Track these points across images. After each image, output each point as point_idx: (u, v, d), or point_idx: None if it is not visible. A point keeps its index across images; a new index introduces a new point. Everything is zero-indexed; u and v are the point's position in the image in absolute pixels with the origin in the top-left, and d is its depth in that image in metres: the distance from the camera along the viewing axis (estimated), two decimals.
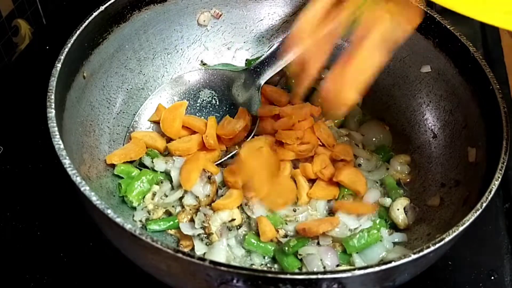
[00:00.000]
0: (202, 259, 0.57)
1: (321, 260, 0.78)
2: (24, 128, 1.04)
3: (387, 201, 0.87)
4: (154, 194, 0.84)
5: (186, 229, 0.81)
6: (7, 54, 1.16)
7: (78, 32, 0.80)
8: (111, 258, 0.79)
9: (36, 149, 0.99)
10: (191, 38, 1.02)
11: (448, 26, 0.88)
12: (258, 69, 0.96)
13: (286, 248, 0.77)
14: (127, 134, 0.92)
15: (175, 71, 1.01)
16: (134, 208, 0.84)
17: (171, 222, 0.82)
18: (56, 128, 0.68)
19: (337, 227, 0.81)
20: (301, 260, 0.78)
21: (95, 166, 0.82)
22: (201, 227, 0.80)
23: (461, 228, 0.64)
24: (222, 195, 0.84)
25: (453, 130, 0.89)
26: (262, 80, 0.96)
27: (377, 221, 0.84)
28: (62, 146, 0.67)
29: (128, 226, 0.60)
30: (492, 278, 0.86)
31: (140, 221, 0.83)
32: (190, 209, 0.82)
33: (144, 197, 0.84)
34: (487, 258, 0.89)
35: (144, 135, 0.91)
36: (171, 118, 0.92)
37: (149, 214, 0.83)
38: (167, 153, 0.90)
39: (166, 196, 0.85)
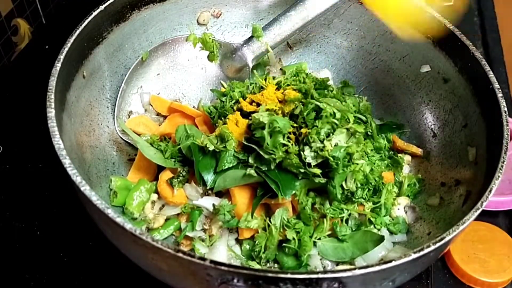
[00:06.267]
0: (202, 258, 0.57)
1: (320, 259, 0.79)
2: (24, 128, 1.04)
3: None
4: (153, 203, 0.83)
5: (187, 230, 0.81)
6: (7, 54, 1.16)
7: (77, 32, 0.80)
8: (111, 258, 0.79)
9: (36, 149, 0.99)
10: None
11: (448, 25, 0.88)
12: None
13: (287, 249, 0.77)
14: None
15: None
16: (134, 219, 0.82)
17: (172, 227, 0.81)
18: (56, 128, 0.68)
19: None
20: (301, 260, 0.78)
21: (95, 166, 0.82)
22: (201, 229, 0.80)
23: (461, 228, 0.64)
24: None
25: (453, 129, 0.89)
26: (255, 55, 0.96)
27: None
28: (62, 146, 0.66)
29: (128, 226, 0.60)
30: None
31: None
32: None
33: (143, 207, 0.82)
34: None
35: (137, 123, 0.93)
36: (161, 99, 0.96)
37: (149, 223, 0.81)
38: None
39: (163, 206, 0.84)
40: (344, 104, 0.79)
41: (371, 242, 0.77)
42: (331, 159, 0.74)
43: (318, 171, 0.75)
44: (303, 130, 0.76)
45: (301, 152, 0.76)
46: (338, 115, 0.76)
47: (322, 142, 0.75)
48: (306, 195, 0.78)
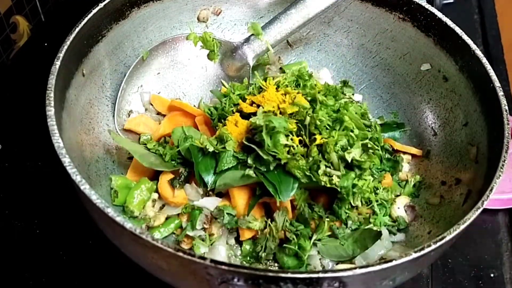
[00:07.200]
0: (203, 258, 0.57)
1: (320, 259, 0.78)
2: (23, 126, 1.04)
3: None
4: (154, 201, 0.83)
5: (187, 229, 0.80)
6: (5, 51, 1.16)
7: (77, 30, 0.79)
8: (111, 257, 0.79)
9: (35, 147, 0.98)
10: None
11: (449, 24, 0.88)
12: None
13: (287, 249, 0.77)
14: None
15: None
16: (135, 218, 0.82)
17: (172, 225, 0.81)
18: (55, 126, 0.68)
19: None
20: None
21: (94, 164, 0.82)
22: (201, 228, 0.80)
23: (462, 227, 0.64)
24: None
25: (454, 128, 0.89)
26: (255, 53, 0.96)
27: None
28: (61, 145, 0.66)
29: (128, 225, 0.60)
30: (492, 275, 0.86)
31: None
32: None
33: (144, 206, 0.82)
34: (487, 256, 0.89)
35: (137, 122, 0.92)
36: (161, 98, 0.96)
37: (150, 221, 0.81)
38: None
39: (164, 205, 0.84)
40: (348, 112, 0.79)
41: (370, 239, 0.77)
42: (339, 189, 0.74)
43: (326, 179, 0.75)
44: (318, 137, 0.75)
45: (320, 165, 0.75)
46: (356, 131, 0.76)
47: (337, 152, 0.75)
48: (306, 196, 0.79)
